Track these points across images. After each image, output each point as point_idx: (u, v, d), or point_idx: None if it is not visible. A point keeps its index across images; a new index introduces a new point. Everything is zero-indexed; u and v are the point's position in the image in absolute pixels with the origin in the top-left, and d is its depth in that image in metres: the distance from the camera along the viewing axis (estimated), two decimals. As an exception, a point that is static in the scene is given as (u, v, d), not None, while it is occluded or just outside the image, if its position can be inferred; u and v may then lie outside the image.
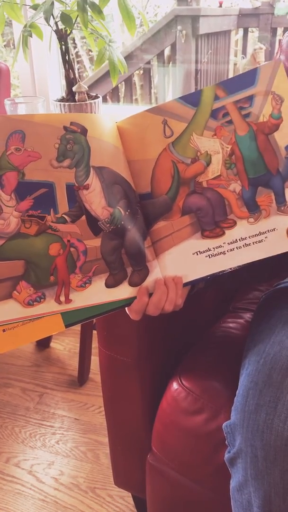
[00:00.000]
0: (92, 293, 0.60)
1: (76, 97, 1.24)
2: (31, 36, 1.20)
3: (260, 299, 0.89)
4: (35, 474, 1.16)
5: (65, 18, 1.14)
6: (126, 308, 0.63)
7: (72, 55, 1.27)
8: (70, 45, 1.24)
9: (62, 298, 0.58)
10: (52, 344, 1.58)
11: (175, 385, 0.79)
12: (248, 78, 0.61)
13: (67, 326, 0.59)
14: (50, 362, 1.50)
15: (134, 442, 0.90)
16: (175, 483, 0.82)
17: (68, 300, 0.58)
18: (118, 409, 0.89)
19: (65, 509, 1.08)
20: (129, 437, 0.91)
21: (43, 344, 1.56)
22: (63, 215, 0.58)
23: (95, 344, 1.43)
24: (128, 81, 2.50)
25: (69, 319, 0.59)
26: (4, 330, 0.56)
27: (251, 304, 1.01)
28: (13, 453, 1.21)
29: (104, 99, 2.37)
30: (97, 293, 0.60)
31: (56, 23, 1.18)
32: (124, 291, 0.61)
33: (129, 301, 0.62)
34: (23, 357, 1.52)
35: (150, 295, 0.62)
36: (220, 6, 2.59)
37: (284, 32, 2.50)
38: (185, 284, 0.65)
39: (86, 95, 1.24)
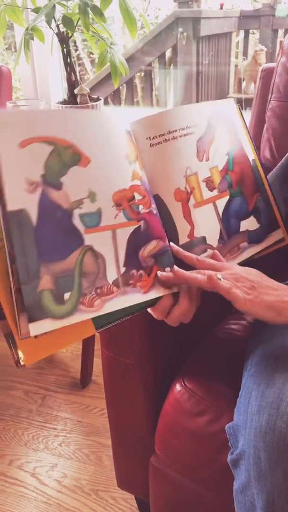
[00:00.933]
0: (123, 297, 0.59)
1: (78, 100, 1.24)
2: (32, 39, 1.21)
3: (263, 301, 0.89)
4: (38, 476, 1.16)
5: (67, 21, 1.15)
6: (149, 308, 0.63)
7: (74, 57, 1.27)
8: (71, 48, 1.24)
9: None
10: (54, 346, 1.58)
11: (178, 387, 0.79)
12: None
13: (97, 329, 0.58)
14: (53, 365, 1.50)
15: (137, 444, 0.90)
16: (178, 485, 0.82)
17: (101, 305, 0.57)
18: (121, 411, 0.89)
19: (68, 511, 1.07)
20: (132, 439, 0.91)
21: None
22: None
23: (97, 346, 1.43)
24: (130, 83, 2.51)
25: (100, 322, 0.58)
26: (35, 337, 0.54)
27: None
28: (16, 455, 1.21)
29: (105, 102, 2.38)
30: (133, 296, 0.60)
31: (57, 26, 1.19)
32: (155, 291, 0.61)
33: (156, 300, 0.62)
34: (26, 359, 1.52)
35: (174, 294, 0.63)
36: (221, 8, 2.60)
37: (285, 33, 2.50)
38: None
39: (87, 97, 1.25)
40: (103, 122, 0.59)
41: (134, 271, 0.59)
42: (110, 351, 0.83)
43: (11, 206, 0.51)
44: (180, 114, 0.66)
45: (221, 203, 0.68)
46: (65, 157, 0.55)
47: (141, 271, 0.60)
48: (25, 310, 0.52)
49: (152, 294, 0.61)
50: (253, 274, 0.64)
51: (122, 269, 0.59)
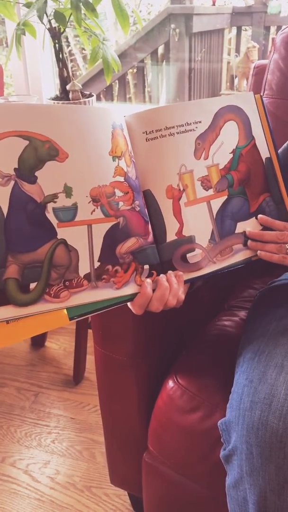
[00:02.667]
0: (92, 291, 0.59)
1: (70, 96, 1.23)
2: (24, 34, 1.20)
3: (255, 297, 0.90)
4: (31, 473, 1.16)
5: (59, 16, 1.14)
6: (129, 303, 0.63)
7: (66, 53, 1.26)
8: (63, 43, 1.23)
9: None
10: (47, 343, 1.57)
11: (170, 383, 0.79)
12: None
13: (71, 319, 0.58)
14: (45, 361, 1.50)
15: (130, 440, 0.90)
16: (171, 481, 0.83)
17: (67, 297, 0.58)
18: (114, 408, 0.89)
19: (61, 508, 1.08)
20: (125, 435, 0.91)
21: (38, 343, 1.56)
22: None
23: (90, 343, 1.43)
24: (122, 79, 2.50)
25: (74, 312, 0.58)
26: (7, 322, 0.55)
27: (246, 302, 1.02)
28: (8, 452, 1.21)
29: (98, 98, 2.36)
30: (104, 291, 0.60)
31: (49, 21, 1.18)
32: (128, 287, 0.61)
33: (132, 296, 0.62)
34: (18, 356, 1.52)
35: (153, 292, 0.62)
36: (214, 4, 2.60)
37: (277, 30, 2.50)
38: (186, 282, 0.65)
39: (80, 93, 1.24)
40: (85, 118, 0.59)
41: (109, 267, 0.60)
42: (103, 348, 0.83)
43: None
44: (180, 111, 0.66)
45: (217, 203, 0.68)
46: (41, 152, 0.56)
47: (117, 267, 0.60)
48: None
49: (125, 290, 0.61)
50: None
51: (96, 264, 0.59)
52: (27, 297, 0.56)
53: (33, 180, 0.56)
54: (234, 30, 2.70)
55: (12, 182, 0.55)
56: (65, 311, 0.58)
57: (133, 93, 2.74)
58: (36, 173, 0.56)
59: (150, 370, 0.84)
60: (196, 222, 0.66)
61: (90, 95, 1.26)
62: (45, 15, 1.14)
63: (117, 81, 2.49)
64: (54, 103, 1.22)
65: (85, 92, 1.27)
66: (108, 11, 2.18)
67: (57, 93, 1.29)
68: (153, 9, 2.77)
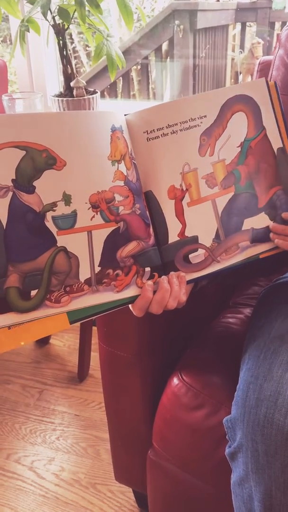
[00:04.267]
0: (93, 295, 0.60)
1: (74, 93, 1.23)
2: (28, 31, 1.19)
3: (260, 294, 0.89)
4: (36, 470, 1.16)
5: (63, 12, 1.14)
6: (130, 305, 0.63)
7: (69, 50, 1.26)
8: (67, 40, 1.23)
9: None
10: (51, 341, 1.58)
11: (175, 381, 0.79)
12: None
13: (71, 323, 0.59)
14: (50, 359, 1.50)
15: (134, 437, 0.90)
16: (176, 478, 0.83)
17: (68, 302, 0.58)
18: (119, 405, 0.89)
19: (66, 504, 1.08)
20: (130, 432, 0.91)
21: (43, 340, 1.56)
22: None
23: (94, 340, 1.43)
24: (126, 76, 2.50)
25: (74, 316, 0.59)
26: (9, 328, 0.56)
27: (251, 299, 1.01)
28: (13, 449, 1.21)
29: (102, 95, 2.36)
30: (104, 294, 0.60)
31: (53, 17, 1.17)
32: (129, 290, 0.61)
33: (133, 299, 0.62)
34: (23, 353, 1.52)
35: (154, 293, 0.62)
36: (218, 0, 2.59)
37: (282, 26, 2.49)
38: (189, 282, 0.64)
39: (84, 90, 1.24)
40: (81, 124, 0.58)
41: (110, 271, 0.60)
42: (108, 345, 0.83)
43: None
44: (184, 106, 0.63)
45: (223, 200, 0.66)
46: (38, 161, 0.56)
47: (118, 271, 0.60)
48: None
49: (126, 293, 0.61)
50: None
51: (97, 269, 0.59)
52: (28, 304, 0.56)
53: (31, 190, 0.56)
54: (238, 26, 2.68)
55: (10, 193, 0.55)
56: (65, 315, 0.58)
57: (137, 90, 2.74)
58: (34, 183, 0.56)
59: (154, 367, 0.84)
60: (200, 221, 0.65)
61: (94, 92, 1.26)
62: (49, 11, 1.14)
63: (121, 77, 2.49)
64: (58, 100, 1.22)
65: (89, 89, 1.27)
66: (112, 8, 2.17)
67: (61, 90, 1.29)
68: (157, 5, 2.76)
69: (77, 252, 0.58)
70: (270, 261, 0.78)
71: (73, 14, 1.16)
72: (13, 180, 0.55)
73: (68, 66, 1.24)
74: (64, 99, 1.21)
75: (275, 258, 0.73)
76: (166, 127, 0.63)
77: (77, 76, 1.24)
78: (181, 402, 0.77)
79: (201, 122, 0.64)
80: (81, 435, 1.25)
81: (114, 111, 0.62)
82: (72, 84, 1.23)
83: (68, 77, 1.25)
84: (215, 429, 0.72)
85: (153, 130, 0.62)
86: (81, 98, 1.21)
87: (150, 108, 0.63)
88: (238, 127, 0.67)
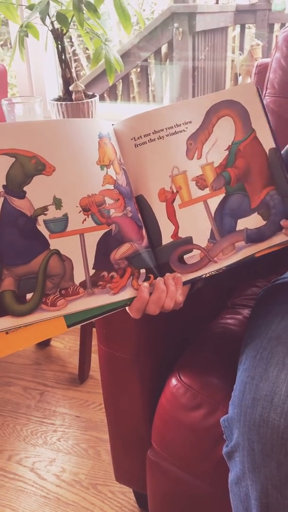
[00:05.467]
0: (89, 298, 0.60)
1: (73, 96, 1.24)
2: (27, 36, 1.21)
3: (258, 295, 0.90)
4: (37, 471, 1.17)
5: (61, 17, 1.15)
6: (127, 307, 0.63)
7: (69, 53, 1.27)
8: (67, 44, 1.24)
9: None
10: (52, 343, 1.58)
11: (174, 381, 0.79)
12: None
13: (69, 326, 0.59)
14: (51, 360, 1.51)
15: (134, 438, 0.91)
16: (175, 478, 0.83)
17: (64, 305, 0.59)
18: (118, 406, 0.90)
19: (67, 505, 1.09)
20: (129, 433, 0.92)
21: (44, 342, 1.57)
22: None
23: (95, 341, 1.44)
24: (126, 79, 2.51)
25: (71, 319, 0.59)
26: (7, 333, 0.57)
27: (249, 300, 1.02)
28: (15, 450, 1.22)
29: (102, 98, 2.37)
30: (100, 297, 0.61)
31: (52, 22, 1.19)
32: (125, 292, 0.62)
33: (130, 301, 0.62)
34: (24, 355, 1.53)
35: (151, 294, 0.63)
36: (217, 2, 2.59)
37: (281, 27, 2.49)
38: (186, 282, 0.65)
39: (83, 94, 1.25)
40: (69, 131, 0.60)
41: (105, 273, 0.61)
42: (107, 347, 0.84)
43: None
44: (168, 113, 0.65)
45: (214, 201, 0.67)
46: (28, 167, 0.57)
47: (112, 273, 0.61)
48: None
49: (123, 295, 0.62)
50: None
51: (92, 271, 0.60)
52: (24, 307, 0.57)
53: (22, 195, 0.57)
54: (237, 28, 2.69)
55: (2, 199, 0.56)
56: (62, 318, 0.59)
57: (137, 93, 2.75)
58: (25, 188, 0.57)
59: (153, 368, 0.85)
60: (193, 222, 0.66)
61: (93, 96, 1.27)
62: (47, 17, 1.15)
63: (120, 80, 2.50)
64: (57, 104, 1.23)
65: (88, 93, 1.28)
66: (111, 11, 2.18)
67: (61, 94, 1.30)
68: (156, 8, 2.77)
69: (71, 255, 0.59)
70: (268, 262, 0.79)
71: (72, 19, 1.18)
72: (3, 186, 0.56)
73: (67, 70, 1.25)
74: (63, 103, 1.22)
75: (273, 258, 0.74)
76: (153, 133, 0.64)
77: (76, 80, 1.25)
78: (179, 402, 0.77)
79: (187, 128, 0.66)
80: (82, 436, 1.25)
81: (101, 120, 0.64)
82: (71, 88, 1.24)
83: (67, 81, 1.26)
84: (213, 428, 0.73)
85: (140, 136, 0.64)
86: (80, 102, 1.23)
87: (136, 116, 0.65)
88: (225, 131, 0.68)
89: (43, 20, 1.13)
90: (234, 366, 0.75)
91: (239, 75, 2.73)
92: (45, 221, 0.58)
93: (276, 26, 2.51)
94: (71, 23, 1.19)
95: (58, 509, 1.08)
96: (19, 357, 1.52)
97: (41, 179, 0.58)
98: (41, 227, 0.58)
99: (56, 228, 0.58)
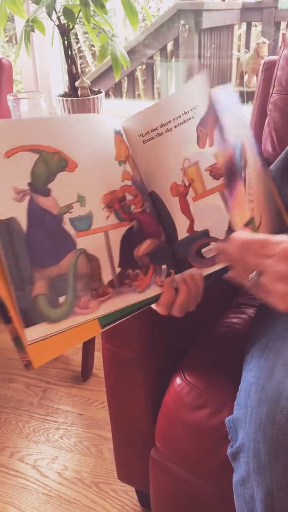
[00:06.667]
0: (118, 298, 0.60)
1: (79, 92, 1.24)
2: (33, 31, 1.20)
3: (263, 294, 0.89)
4: (39, 468, 1.16)
5: (68, 12, 1.14)
6: (153, 305, 0.63)
7: (75, 50, 1.26)
8: (73, 40, 1.23)
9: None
10: (55, 340, 1.58)
11: (178, 380, 0.79)
12: None
13: (103, 327, 0.58)
14: (54, 358, 1.51)
15: (137, 437, 0.90)
16: (178, 478, 0.83)
17: (95, 307, 0.58)
18: (122, 404, 0.89)
19: (69, 503, 1.08)
20: (133, 432, 0.91)
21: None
22: None
23: (98, 339, 1.44)
24: (131, 76, 2.50)
25: (104, 320, 0.58)
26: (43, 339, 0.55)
27: (255, 300, 1.01)
28: (17, 447, 1.22)
29: (107, 94, 2.37)
30: (129, 295, 0.60)
31: (58, 17, 1.18)
32: (150, 290, 0.62)
33: (156, 297, 0.62)
34: (27, 352, 1.53)
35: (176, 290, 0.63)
36: (223, 0, 2.58)
37: (287, 26, 2.48)
38: (206, 277, 0.64)
39: (88, 90, 1.24)
40: (88, 126, 0.59)
41: (130, 271, 0.60)
42: (111, 345, 0.83)
43: (2, 215, 0.52)
44: (173, 102, 0.62)
45: None
46: (51, 164, 0.56)
47: (137, 270, 0.60)
48: (21, 316, 0.53)
49: (149, 293, 0.61)
50: None
51: (118, 270, 0.59)
52: (58, 312, 0.55)
53: (47, 193, 0.55)
54: (244, 26, 2.68)
55: (28, 197, 0.54)
56: (96, 320, 0.58)
57: (142, 90, 2.74)
58: (49, 186, 0.56)
59: (157, 367, 0.84)
60: (209, 215, 0.63)
61: (99, 92, 1.26)
62: (54, 11, 1.14)
63: (126, 77, 2.49)
64: (62, 100, 1.22)
65: (93, 89, 1.27)
66: (118, 7, 2.17)
67: (66, 90, 1.29)
68: (162, 5, 2.76)
69: (97, 254, 0.58)
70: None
71: (78, 14, 1.17)
72: (29, 184, 0.54)
73: (73, 66, 1.24)
74: (69, 99, 1.22)
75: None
76: (160, 126, 0.62)
77: (81, 76, 1.24)
78: (184, 401, 0.77)
79: (195, 113, 0.62)
80: (84, 434, 1.25)
81: (113, 116, 0.63)
82: (76, 84, 1.23)
83: (73, 77, 1.25)
84: (217, 429, 0.72)
85: (148, 132, 0.62)
86: (85, 98, 1.22)
87: (143, 111, 0.63)
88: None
89: (49, 15, 1.12)
90: (239, 366, 0.74)
91: (245, 73, 2.72)
92: (70, 220, 0.56)
93: (283, 24, 2.49)
94: (77, 19, 1.18)
95: (60, 506, 1.07)
96: (22, 354, 1.52)
97: (64, 176, 0.56)
98: (67, 226, 0.56)
99: (81, 226, 0.57)
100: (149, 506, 0.94)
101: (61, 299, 0.55)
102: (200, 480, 0.79)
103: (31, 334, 0.53)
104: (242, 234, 0.58)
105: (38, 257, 0.54)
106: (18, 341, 0.53)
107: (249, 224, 0.60)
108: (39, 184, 0.55)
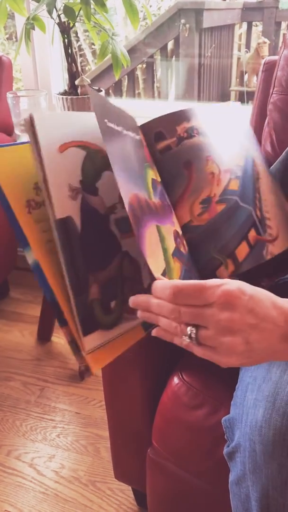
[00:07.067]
0: None
1: (79, 91, 1.23)
2: (33, 29, 1.20)
3: (261, 295, 0.89)
4: (36, 467, 1.16)
5: (68, 10, 1.14)
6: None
7: (75, 48, 1.26)
8: (73, 39, 1.23)
9: None
10: (53, 338, 1.58)
11: (175, 380, 0.79)
12: None
13: (146, 330, 0.57)
14: (51, 356, 1.51)
15: (134, 436, 0.90)
16: (175, 477, 0.83)
17: None
18: (119, 404, 0.89)
19: (66, 502, 1.08)
20: (130, 431, 0.91)
21: (44, 337, 1.57)
22: None
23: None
24: (131, 75, 2.50)
25: (146, 324, 0.57)
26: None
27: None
28: (14, 446, 1.22)
29: (107, 93, 2.36)
30: None
31: (59, 15, 1.18)
32: None
33: None
34: (24, 350, 1.53)
35: None
36: (224, -1, 2.58)
37: (288, 26, 2.48)
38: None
39: (88, 88, 1.24)
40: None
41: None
42: (108, 344, 0.83)
43: (59, 213, 0.49)
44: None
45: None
46: (97, 162, 0.53)
47: None
48: (80, 323, 0.50)
49: None
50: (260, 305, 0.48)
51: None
52: (111, 318, 0.53)
53: (96, 192, 0.52)
54: (244, 25, 2.68)
55: (80, 196, 0.51)
56: (140, 325, 0.57)
57: (142, 89, 2.74)
58: (96, 184, 0.53)
59: (155, 366, 0.84)
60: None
61: (99, 90, 1.26)
62: (54, 9, 1.14)
63: (126, 76, 2.49)
64: (62, 98, 1.22)
65: (93, 87, 1.27)
66: (118, 6, 2.17)
67: (66, 88, 1.29)
68: (163, 4, 2.76)
69: (137, 256, 0.56)
70: (275, 261, 0.78)
71: (79, 12, 1.17)
72: (80, 181, 0.51)
73: (73, 64, 1.24)
74: (69, 97, 1.21)
75: (280, 258, 0.74)
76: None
77: (81, 75, 1.24)
78: (181, 401, 0.77)
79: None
80: (82, 433, 1.25)
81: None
82: (76, 82, 1.23)
83: (73, 75, 1.25)
84: (214, 428, 0.72)
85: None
86: (85, 96, 1.22)
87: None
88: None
89: (50, 12, 1.12)
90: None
91: (245, 73, 2.72)
92: (116, 220, 0.54)
93: (283, 24, 2.50)
94: (78, 17, 1.18)
95: (57, 505, 1.07)
96: (19, 352, 1.52)
97: (108, 175, 0.53)
98: (113, 227, 0.53)
99: (125, 227, 0.54)
100: (145, 505, 0.94)
101: (112, 304, 0.53)
102: (196, 479, 0.79)
103: (89, 343, 0.51)
104: (168, 282, 0.48)
105: (92, 259, 0.51)
106: (74, 345, 0.51)
107: (166, 274, 0.53)
108: (89, 182, 0.52)
